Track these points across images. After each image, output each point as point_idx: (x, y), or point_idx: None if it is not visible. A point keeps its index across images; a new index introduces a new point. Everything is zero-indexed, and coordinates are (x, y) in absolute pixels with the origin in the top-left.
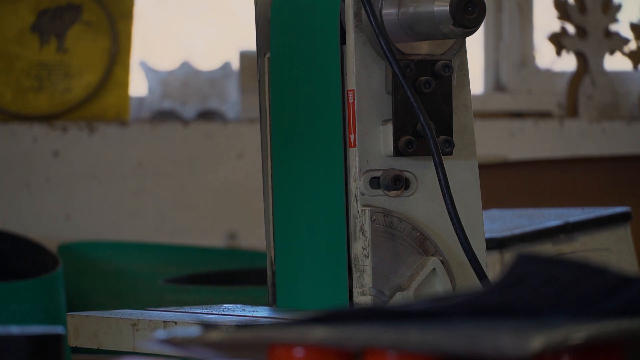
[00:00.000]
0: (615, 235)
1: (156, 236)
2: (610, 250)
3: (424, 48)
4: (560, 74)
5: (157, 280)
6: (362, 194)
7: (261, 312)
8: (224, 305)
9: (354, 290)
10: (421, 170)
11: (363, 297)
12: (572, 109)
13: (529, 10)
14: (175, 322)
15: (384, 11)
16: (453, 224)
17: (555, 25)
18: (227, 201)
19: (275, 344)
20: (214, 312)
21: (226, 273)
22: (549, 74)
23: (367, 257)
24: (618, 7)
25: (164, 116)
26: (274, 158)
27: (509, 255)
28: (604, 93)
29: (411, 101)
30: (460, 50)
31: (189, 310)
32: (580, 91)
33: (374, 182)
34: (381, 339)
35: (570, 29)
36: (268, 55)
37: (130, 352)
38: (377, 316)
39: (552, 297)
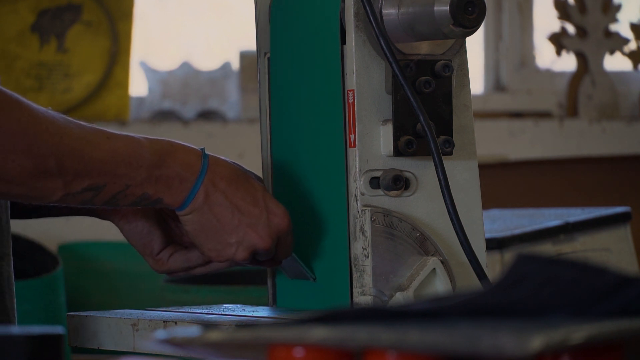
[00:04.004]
0: (615, 235)
1: None
2: (610, 250)
3: (424, 48)
4: (560, 74)
5: (157, 280)
6: (362, 194)
7: (261, 312)
8: (224, 305)
9: (354, 290)
10: (421, 170)
11: (363, 297)
12: (572, 109)
13: (529, 10)
14: (175, 322)
15: (384, 11)
16: (453, 224)
17: (555, 25)
18: None
19: (275, 344)
20: (214, 312)
21: (226, 273)
22: (549, 74)
23: (367, 257)
24: (618, 7)
25: (164, 116)
26: (274, 158)
27: (509, 255)
28: (603, 93)
29: (411, 101)
30: (460, 50)
31: (189, 310)
32: (580, 91)
33: (374, 182)
34: (381, 339)
35: (570, 29)
36: (268, 55)
37: (130, 352)
38: (377, 316)
39: (552, 297)
